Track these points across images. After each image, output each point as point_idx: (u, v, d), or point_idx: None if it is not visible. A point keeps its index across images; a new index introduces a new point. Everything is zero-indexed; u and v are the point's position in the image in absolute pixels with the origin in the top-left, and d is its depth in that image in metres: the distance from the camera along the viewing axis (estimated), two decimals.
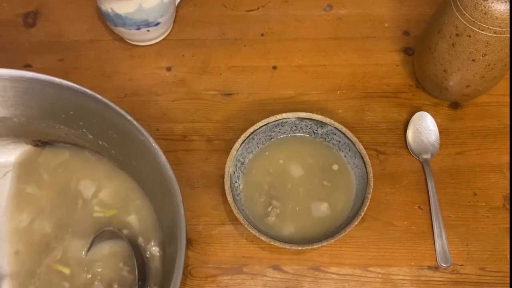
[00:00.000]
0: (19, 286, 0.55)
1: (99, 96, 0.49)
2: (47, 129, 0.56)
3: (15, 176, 0.60)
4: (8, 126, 0.56)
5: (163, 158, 0.47)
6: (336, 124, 0.60)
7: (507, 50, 0.55)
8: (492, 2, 0.51)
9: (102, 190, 0.59)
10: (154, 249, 0.55)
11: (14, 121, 0.55)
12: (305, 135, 0.62)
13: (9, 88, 0.51)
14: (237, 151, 0.59)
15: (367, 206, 0.55)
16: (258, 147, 0.62)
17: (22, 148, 0.61)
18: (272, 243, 0.54)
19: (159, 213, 0.56)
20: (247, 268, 0.58)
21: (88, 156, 0.60)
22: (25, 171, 0.60)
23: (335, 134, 0.61)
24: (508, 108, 0.66)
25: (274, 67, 0.70)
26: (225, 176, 0.57)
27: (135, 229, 0.57)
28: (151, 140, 0.48)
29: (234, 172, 0.59)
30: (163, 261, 0.55)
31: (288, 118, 0.60)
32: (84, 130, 0.55)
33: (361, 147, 0.58)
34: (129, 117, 0.48)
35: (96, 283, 0.54)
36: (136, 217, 0.57)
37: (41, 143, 0.60)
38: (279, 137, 0.62)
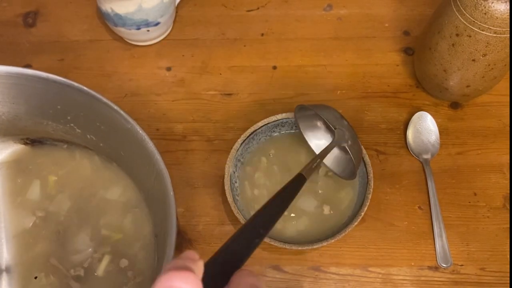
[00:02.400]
0: (18, 279, 0.55)
1: (85, 88, 0.49)
2: (35, 126, 0.56)
3: (6, 175, 0.60)
4: None
5: (150, 144, 0.47)
6: None
7: (507, 50, 0.55)
8: (492, 2, 0.51)
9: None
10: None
11: (2, 118, 0.55)
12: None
13: None
14: (237, 151, 0.59)
15: (367, 206, 0.55)
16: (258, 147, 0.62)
17: (11, 146, 0.61)
18: (272, 243, 0.54)
19: (150, 202, 0.56)
20: (247, 268, 0.57)
21: (76, 154, 0.61)
22: (16, 170, 0.60)
23: None
24: (508, 108, 0.66)
25: (274, 67, 0.70)
26: (225, 176, 0.57)
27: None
28: (138, 128, 0.48)
29: (234, 172, 0.59)
30: (156, 251, 0.55)
31: (288, 118, 0.60)
32: (72, 125, 0.55)
33: (361, 147, 0.58)
34: (115, 107, 0.48)
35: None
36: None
37: (29, 141, 0.60)
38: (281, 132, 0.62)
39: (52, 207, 0.58)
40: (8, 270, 0.55)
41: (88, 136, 0.56)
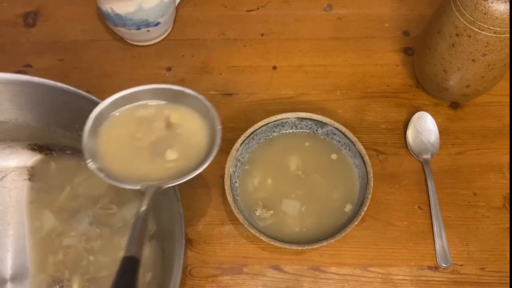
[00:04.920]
0: None
1: (94, 98, 0.48)
2: (43, 132, 0.56)
3: (14, 181, 0.59)
4: (4, 130, 0.56)
5: None
6: (336, 124, 0.60)
7: (507, 50, 0.55)
8: (492, 2, 0.51)
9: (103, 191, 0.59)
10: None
11: (9, 125, 0.55)
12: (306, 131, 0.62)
13: (3, 92, 0.51)
14: (237, 151, 0.59)
15: (367, 206, 0.55)
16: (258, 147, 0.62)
17: (19, 152, 0.60)
18: (272, 243, 0.54)
19: (158, 212, 0.56)
20: (247, 268, 0.58)
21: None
22: (24, 176, 0.60)
23: (335, 134, 0.61)
24: (508, 108, 0.66)
25: (274, 67, 0.70)
26: (225, 176, 0.57)
27: None
28: None
29: (234, 172, 0.59)
30: (163, 260, 0.55)
31: (288, 118, 0.60)
32: (80, 133, 0.54)
33: (361, 147, 0.58)
34: None
35: None
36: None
37: (37, 147, 0.60)
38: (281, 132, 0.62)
39: (63, 219, 0.57)
40: (13, 279, 0.55)
41: None
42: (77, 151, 0.59)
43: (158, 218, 0.56)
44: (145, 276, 0.54)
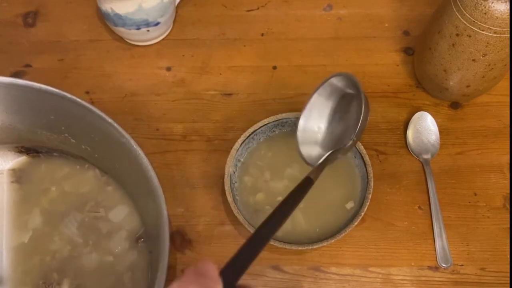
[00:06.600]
0: None
1: (78, 100, 0.48)
2: (29, 135, 0.56)
3: (0, 183, 0.59)
4: None
5: (144, 159, 0.47)
6: None
7: (507, 50, 0.55)
8: (492, 2, 0.51)
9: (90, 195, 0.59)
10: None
11: None
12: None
13: None
14: (237, 151, 0.59)
15: (367, 206, 0.55)
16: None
17: (6, 155, 0.60)
18: (272, 243, 0.54)
19: (144, 215, 0.56)
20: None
21: (73, 165, 0.60)
22: (12, 179, 0.59)
23: None
24: (508, 108, 0.66)
25: (274, 67, 0.70)
26: (225, 176, 0.57)
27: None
28: (132, 142, 0.47)
29: (234, 172, 0.59)
30: (150, 262, 0.55)
31: (288, 118, 0.60)
32: (67, 135, 0.55)
33: (361, 147, 0.58)
34: (109, 120, 0.48)
35: None
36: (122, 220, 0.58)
37: (24, 149, 0.60)
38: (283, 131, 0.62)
39: (51, 222, 0.57)
40: (1, 281, 0.55)
41: (83, 147, 0.56)
42: (64, 153, 0.59)
43: (145, 220, 0.56)
44: (133, 277, 0.54)
